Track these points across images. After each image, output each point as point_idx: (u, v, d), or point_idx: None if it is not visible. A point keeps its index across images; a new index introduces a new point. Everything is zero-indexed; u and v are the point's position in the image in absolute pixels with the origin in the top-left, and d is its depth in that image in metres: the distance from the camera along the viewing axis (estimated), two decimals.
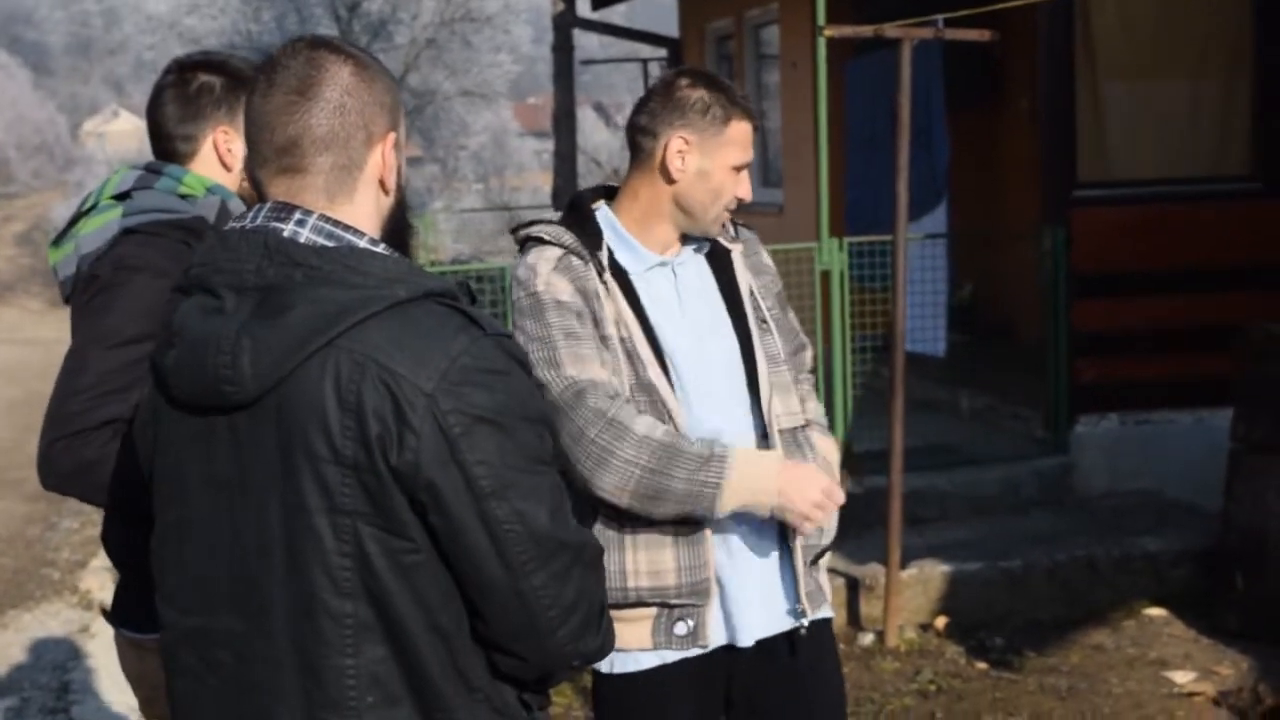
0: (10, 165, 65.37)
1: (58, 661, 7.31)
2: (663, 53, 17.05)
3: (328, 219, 2.13)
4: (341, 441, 2.02)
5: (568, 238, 3.25)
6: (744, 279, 3.41)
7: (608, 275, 3.26)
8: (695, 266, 3.39)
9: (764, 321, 3.40)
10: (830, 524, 3.42)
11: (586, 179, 20.86)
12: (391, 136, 2.21)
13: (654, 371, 3.25)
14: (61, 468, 2.99)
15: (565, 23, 17.42)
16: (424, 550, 2.06)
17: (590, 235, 3.28)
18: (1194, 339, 8.63)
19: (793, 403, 3.39)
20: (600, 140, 38.50)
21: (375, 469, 2.02)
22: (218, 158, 3.27)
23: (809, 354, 3.56)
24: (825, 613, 3.45)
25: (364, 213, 2.18)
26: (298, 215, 2.13)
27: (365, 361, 2.02)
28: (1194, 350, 8.62)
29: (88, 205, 3.23)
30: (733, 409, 3.33)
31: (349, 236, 2.13)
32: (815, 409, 3.51)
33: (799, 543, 3.34)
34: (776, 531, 3.34)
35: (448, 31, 32.03)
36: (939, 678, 6.47)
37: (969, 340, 10.51)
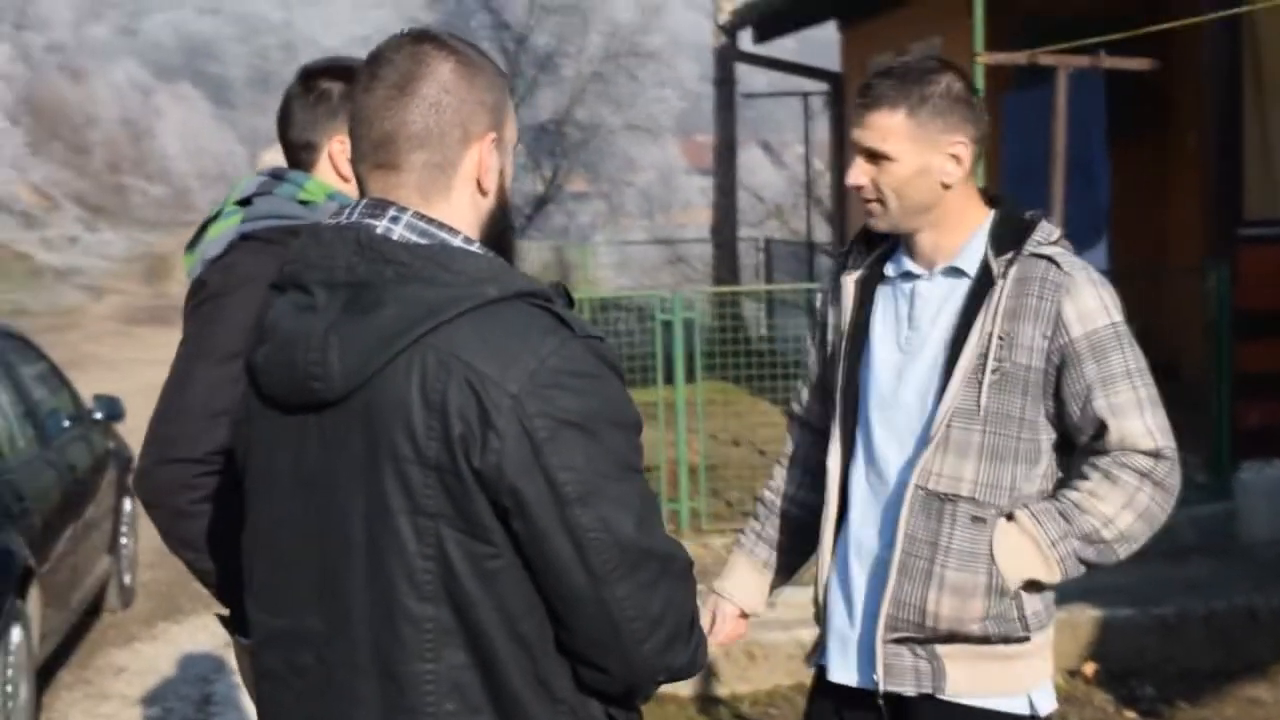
0: (191, 194, 67.11)
1: (202, 674, 7.42)
2: (825, 86, 16.97)
3: (422, 216, 2.09)
4: (425, 442, 1.97)
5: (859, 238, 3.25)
6: (991, 319, 2.97)
7: (846, 276, 3.21)
8: (946, 289, 3.10)
9: (994, 371, 2.96)
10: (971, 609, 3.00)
11: (747, 214, 20.83)
12: (490, 136, 2.14)
13: (840, 386, 3.19)
14: (159, 498, 3.00)
15: (727, 57, 17.46)
16: (506, 555, 2.00)
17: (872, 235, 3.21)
18: None
19: (976, 470, 2.98)
20: (765, 178, 38.35)
21: (458, 470, 1.97)
22: (333, 166, 3.21)
23: (1143, 459, 2.95)
24: (924, 689, 3.08)
25: (460, 212, 2.13)
26: (392, 212, 2.09)
27: (451, 360, 1.97)
28: None
29: (215, 212, 3.23)
30: (893, 452, 3.11)
31: (443, 235, 2.08)
32: (1077, 517, 2.97)
33: (885, 607, 3.05)
34: (880, 576, 3.10)
35: (613, 65, 32.25)
36: None
37: None
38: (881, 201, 3.06)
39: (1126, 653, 6.92)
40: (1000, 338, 2.96)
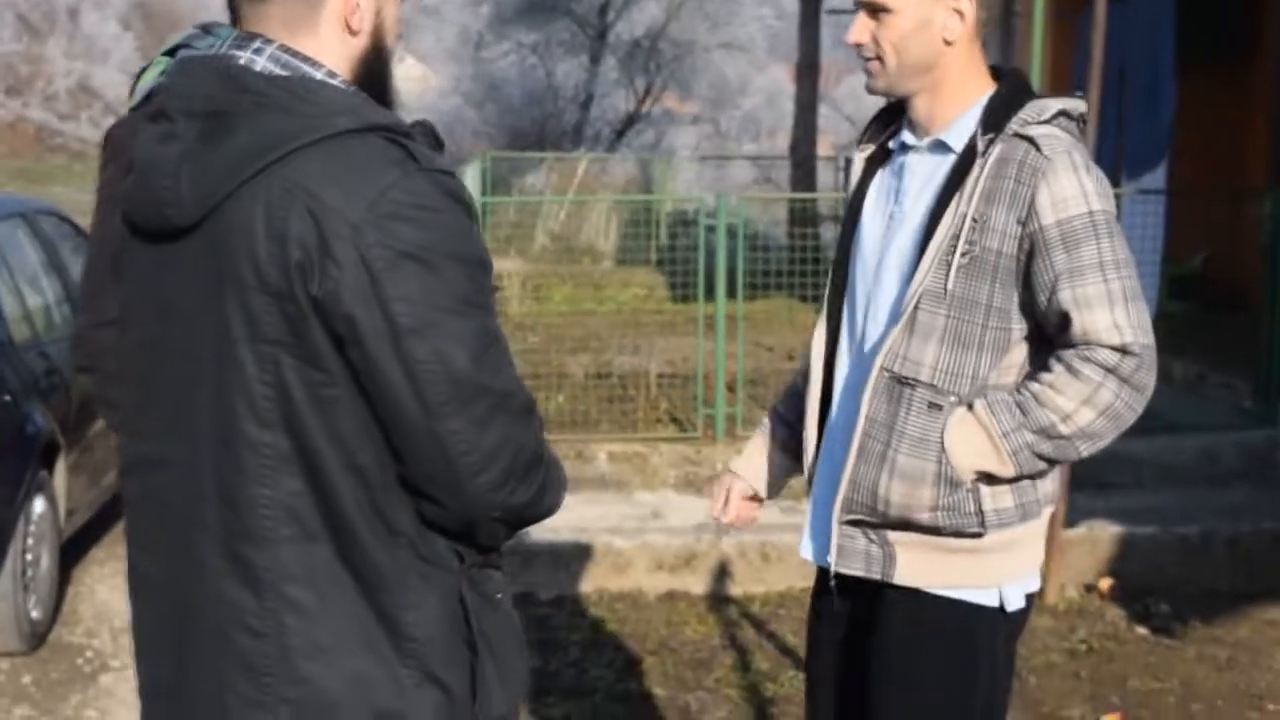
0: None
1: None
2: None
3: (286, 49, 2.10)
4: (267, 269, 2.00)
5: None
6: (966, 200, 2.89)
7: (859, 153, 3.19)
8: (932, 164, 3.03)
9: (964, 255, 2.89)
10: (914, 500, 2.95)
11: (826, 132, 20.60)
12: None
13: (835, 263, 3.15)
14: (92, 360, 3.06)
15: None
16: (342, 385, 2.02)
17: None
18: None
19: (937, 355, 2.91)
20: (871, 104, 37.99)
21: (295, 297, 1.98)
22: None
23: (1107, 353, 2.83)
24: (874, 573, 3.05)
25: (328, 48, 2.14)
26: (257, 44, 2.11)
27: (295, 189, 1.99)
28: None
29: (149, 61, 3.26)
30: (871, 330, 3.07)
31: (305, 68, 2.10)
32: (1030, 405, 2.86)
33: (841, 488, 3.02)
34: (841, 453, 3.05)
35: None
36: (1093, 638, 6.22)
37: (1191, 307, 10.10)
38: (881, 59, 2.98)
39: (1145, 570, 6.85)
40: (974, 219, 2.87)
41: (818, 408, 3.18)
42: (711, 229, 8.78)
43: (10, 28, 51.46)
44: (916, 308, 2.91)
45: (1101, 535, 6.93)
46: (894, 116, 3.13)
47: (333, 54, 2.14)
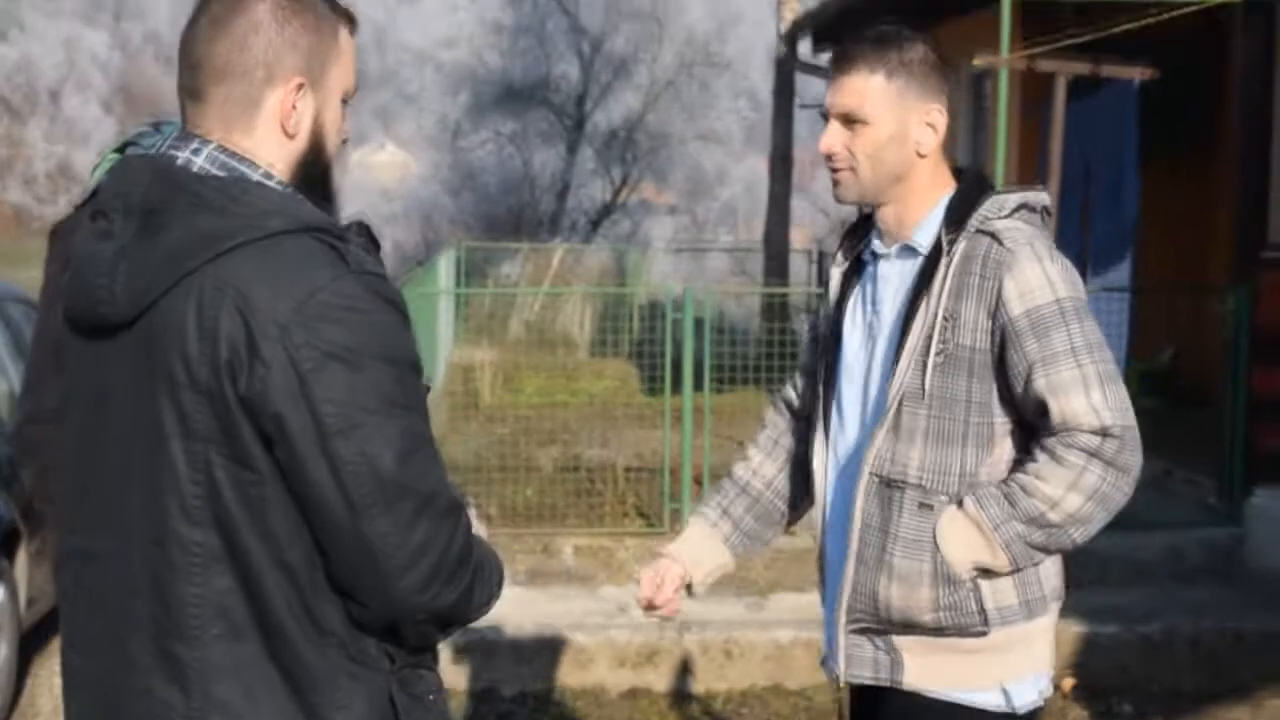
0: None
1: None
2: None
3: (224, 150, 2.14)
4: (198, 367, 2.02)
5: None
6: (935, 299, 2.92)
7: (834, 267, 3.19)
8: (901, 268, 3.06)
9: (938, 354, 2.90)
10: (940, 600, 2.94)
11: (801, 224, 20.72)
12: (296, 80, 2.17)
13: (824, 379, 3.15)
14: (27, 455, 3.05)
15: (788, 67, 17.42)
16: (270, 484, 2.03)
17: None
18: None
19: (922, 455, 2.92)
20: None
21: (224, 396, 2.01)
22: None
23: (1087, 438, 2.82)
24: (883, 680, 3.04)
25: (265, 149, 2.16)
26: (195, 144, 2.14)
27: (226, 288, 2.02)
28: None
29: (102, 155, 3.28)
30: (851, 435, 3.10)
31: (242, 168, 2.13)
32: (1019, 496, 2.86)
33: (844, 596, 3.03)
34: (840, 561, 3.06)
35: (687, 74, 32.30)
36: None
37: (1160, 403, 10.15)
38: (853, 169, 2.98)
39: (1108, 669, 6.85)
40: (945, 318, 2.89)
41: (823, 519, 3.18)
42: (679, 320, 8.82)
43: None
44: (899, 410, 2.92)
45: (1064, 634, 6.91)
46: (864, 228, 3.16)
47: (270, 154, 2.17)
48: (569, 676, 6.81)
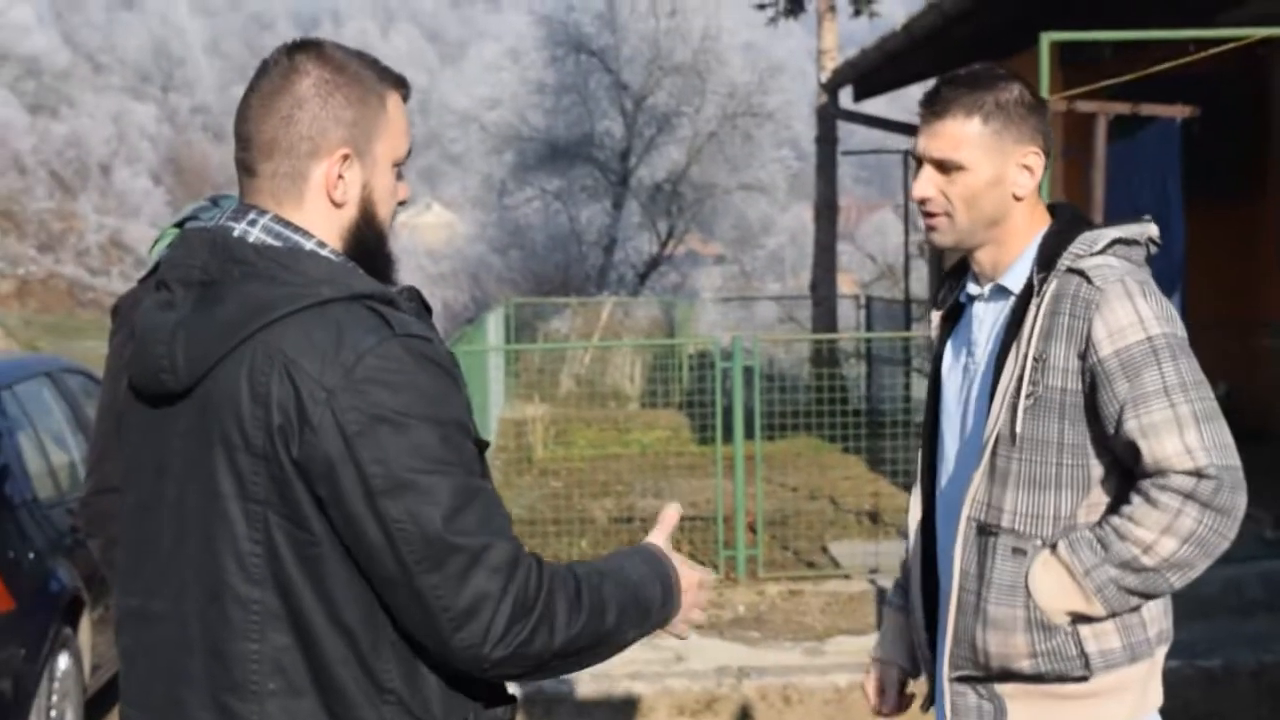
0: None
1: None
2: None
3: (280, 220, 2.20)
4: (253, 431, 2.09)
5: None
6: (1026, 341, 2.85)
7: (936, 312, 3.15)
8: (995, 310, 3.00)
9: (1029, 396, 2.83)
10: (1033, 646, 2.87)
11: (849, 270, 20.75)
12: (341, 152, 2.22)
13: (926, 424, 3.13)
14: (95, 527, 3.17)
15: (829, 114, 17.51)
16: (325, 544, 2.09)
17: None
18: None
19: (1015, 500, 2.86)
20: (896, 241, 38.39)
21: (278, 459, 2.07)
22: None
23: (1182, 479, 2.72)
24: None
25: (315, 220, 2.22)
26: (251, 215, 2.21)
27: (276, 355, 2.08)
28: None
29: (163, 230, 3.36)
30: (952, 480, 3.05)
31: (296, 238, 2.19)
32: (1113, 542, 2.76)
33: (947, 644, 2.97)
34: (944, 610, 3.00)
35: (730, 126, 32.46)
36: None
37: None
38: (949, 214, 2.91)
39: (1171, 705, 6.77)
40: (1035, 359, 2.81)
41: (920, 572, 3.14)
42: (729, 370, 8.87)
43: (44, 184, 52.37)
44: (994, 454, 2.87)
45: None
46: (963, 270, 3.11)
47: (321, 225, 2.22)
48: None
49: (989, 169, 2.87)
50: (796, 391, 12.49)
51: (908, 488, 3.31)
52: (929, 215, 2.94)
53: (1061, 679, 2.86)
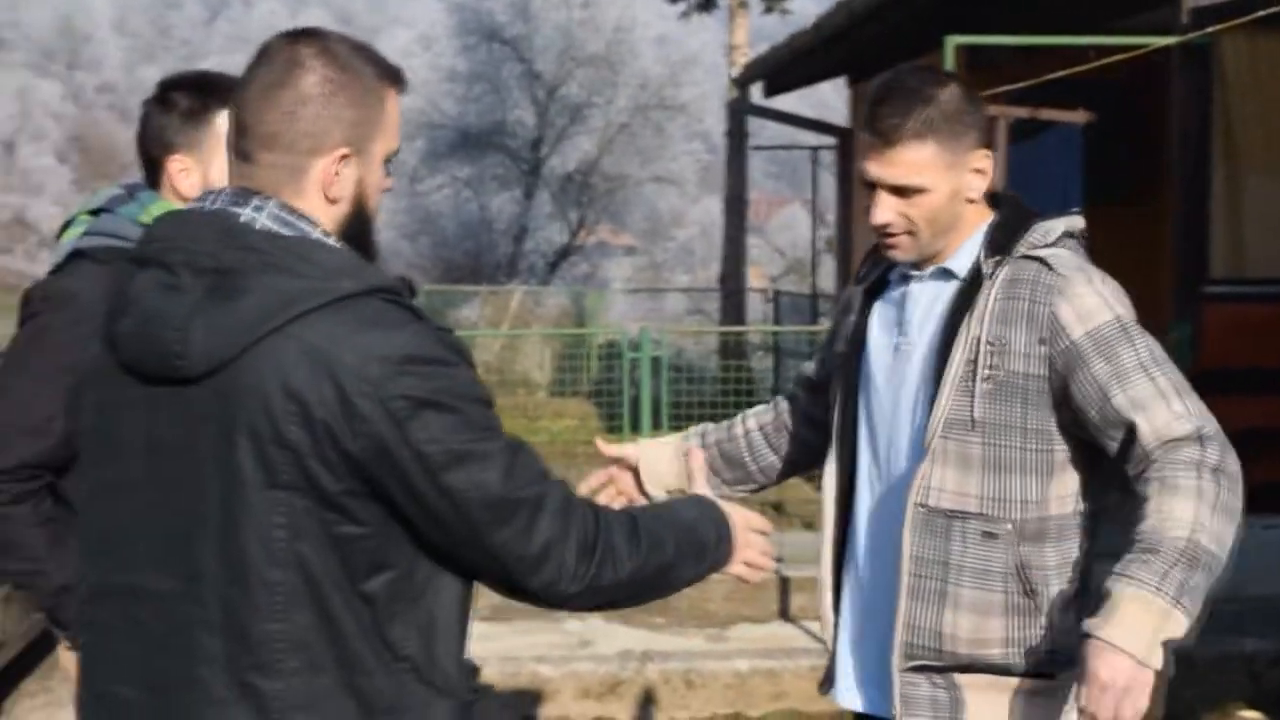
0: None
1: None
2: (831, 141, 17.18)
3: (284, 206, 2.22)
4: (284, 425, 2.11)
5: None
6: (976, 323, 2.84)
7: (857, 287, 3.13)
8: (934, 291, 2.98)
9: (986, 380, 2.82)
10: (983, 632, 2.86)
11: (759, 264, 20.93)
12: (340, 152, 2.24)
13: (841, 400, 3.09)
14: None
15: (740, 109, 17.69)
16: (354, 522, 2.15)
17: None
18: None
19: (981, 484, 2.84)
20: (805, 236, 38.74)
21: (322, 454, 2.11)
22: (171, 186, 3.21)
23: (1187, 450, 2.69)
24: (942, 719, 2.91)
25: (310, 210, 2.25)
26: (256, 201, 2.21)
27: (312, 351, 2.11)
28: None
29: (71, 216, 3.30)
30: (890, 466, 3.00)
31: (304, 226, 2.21)
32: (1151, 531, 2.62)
33: (899, 634, 2.91)
34: (888, 600, 2.95)
35: (641, 118, 32.61)
36: None
37: None
38: (912, 233, 2.89)
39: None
40: (990, 343, 2.81)
41: (832, 551, 3.12)
42: (637, 360, 9.00)
43: None
44: (945, 439, 2.84)
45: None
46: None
47: (317, 217, 2.25)
48: (535, 708, 6.95)
49: (947, 185, 2.87)
50: (704, 383, 12.61)
51: (812, 479, 3.38)
52: (889, 236, 2.91)
53: (1026, 674, 2.85)
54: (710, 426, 3.46)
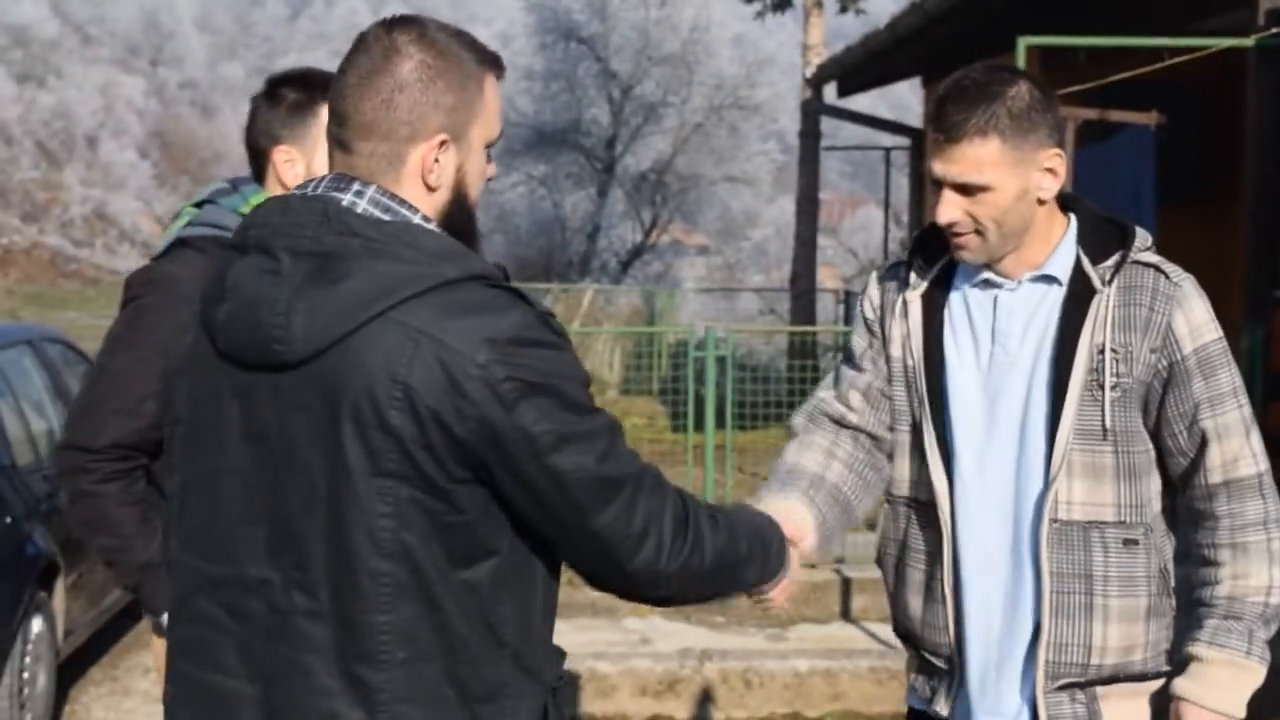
0: None
1: None
2: (905, 141, 17.09)
3: (385, 192, 2.20)
4: (388, 410, 2.10)
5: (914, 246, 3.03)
6: (1097, 331, 2.80)
7: (911, 292, 2.99)
8: (1036, 298, 2.88)
9: (1114, 388, 2.79)
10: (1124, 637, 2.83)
11: (832, 264, 20.87)
12: (439, 138, 2.21)
13: (914, 414, 2.97)
14: (61, 479, 3.24)
15: (813, 109, 17.64)
16: (458, 510, 2.14)
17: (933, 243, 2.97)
18: None
19: (1117, 493, 2.82)
20: (879, 236, 38.60)
21: (428, 440, 2.10)
22: (276, 176, 3.24)
23: (1252, 508, 2.81)
24: None
25: (410, 198, 2.24)
26: (356, 186, 2.20)
27: (418, 336, 2.10)
28: None
29: (181, 208, 3.40)
30: (1002, 483, 2.90)
31: (404, 211, 2.20)
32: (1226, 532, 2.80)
33: (1044, 654, 2.85)
34: (1017, 621, 2.90)
35: (716, 117, 32.59)
36: None
37: None
38: (980, 233, 2.81)
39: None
40: (1114, 350, 2.78)
41: (953, 571, 2.96)
42: (703, 359, 9.00)
43: (29, 154, 52.31)
44: (1073, 450, 2.81)
45: None
46: (926, 252, 3.00)
47: (415, 201, 2.24)
48: (593, 705, 6.96)
49: (1014, 184, 2.78)
50: (771, 383, 12.58)
51: None
52: (957, 235, 2.84)
53: (1156, 675, 2.88)
54: (803, 480, 3.07)
